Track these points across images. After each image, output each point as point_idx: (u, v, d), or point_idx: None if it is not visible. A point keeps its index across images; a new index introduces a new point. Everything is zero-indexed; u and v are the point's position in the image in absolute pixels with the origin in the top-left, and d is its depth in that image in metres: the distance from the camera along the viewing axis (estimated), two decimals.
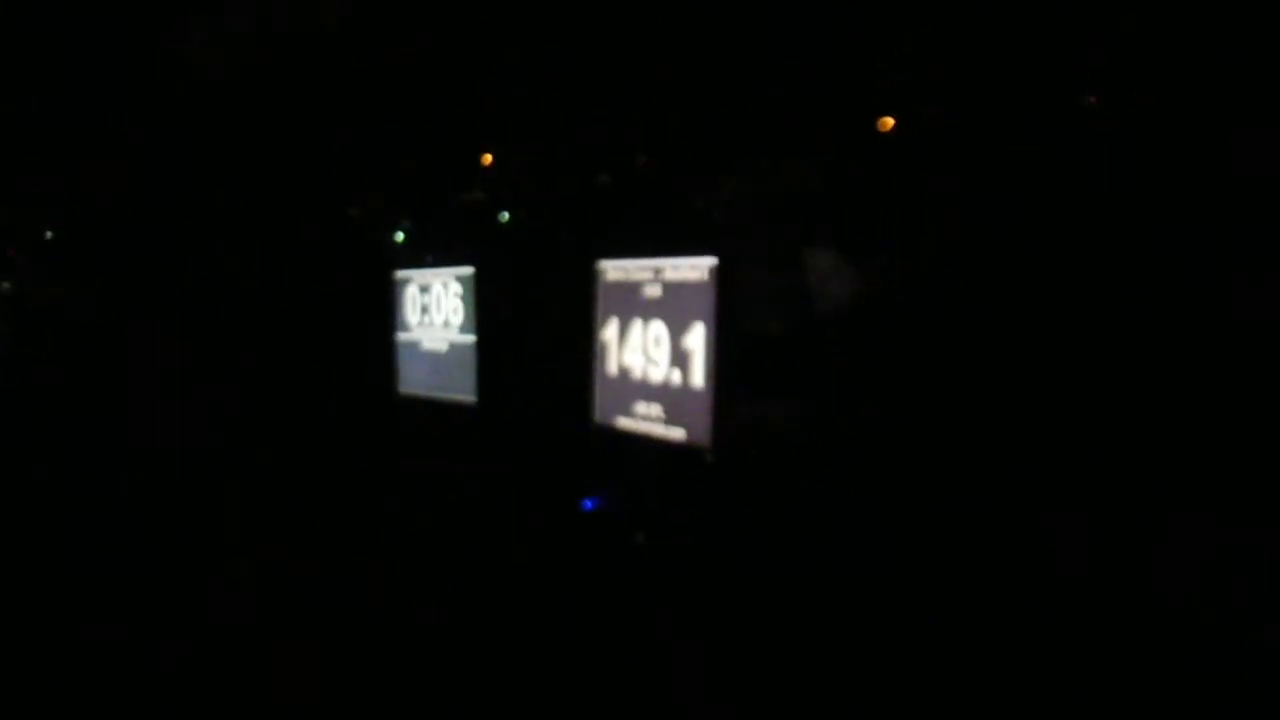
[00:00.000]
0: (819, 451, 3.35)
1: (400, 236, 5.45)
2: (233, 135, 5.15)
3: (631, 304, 3.93)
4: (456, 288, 4.91)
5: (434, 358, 5.12)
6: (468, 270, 4.85)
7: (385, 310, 5.45)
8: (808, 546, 3.29)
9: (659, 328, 3.77)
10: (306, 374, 5.65)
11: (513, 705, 3.01)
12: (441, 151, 4.91)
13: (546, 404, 4.51)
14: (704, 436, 3.54)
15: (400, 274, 5.35)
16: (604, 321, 4.11)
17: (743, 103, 3.66)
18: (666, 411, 3.74)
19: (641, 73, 3.89)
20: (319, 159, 5.26)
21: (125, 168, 5.27)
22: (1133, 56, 2.58)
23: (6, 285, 5.83)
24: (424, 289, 5.17)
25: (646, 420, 3.84)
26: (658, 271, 3.81)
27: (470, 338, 4.84)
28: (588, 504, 4.20)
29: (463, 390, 4.89)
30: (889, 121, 3.18)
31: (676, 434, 3.69)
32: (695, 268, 3.62)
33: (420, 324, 5.21)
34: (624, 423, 3.99)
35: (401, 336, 5.38)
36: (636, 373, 3.91)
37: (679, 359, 3.67)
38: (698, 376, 3.58)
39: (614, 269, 4.07)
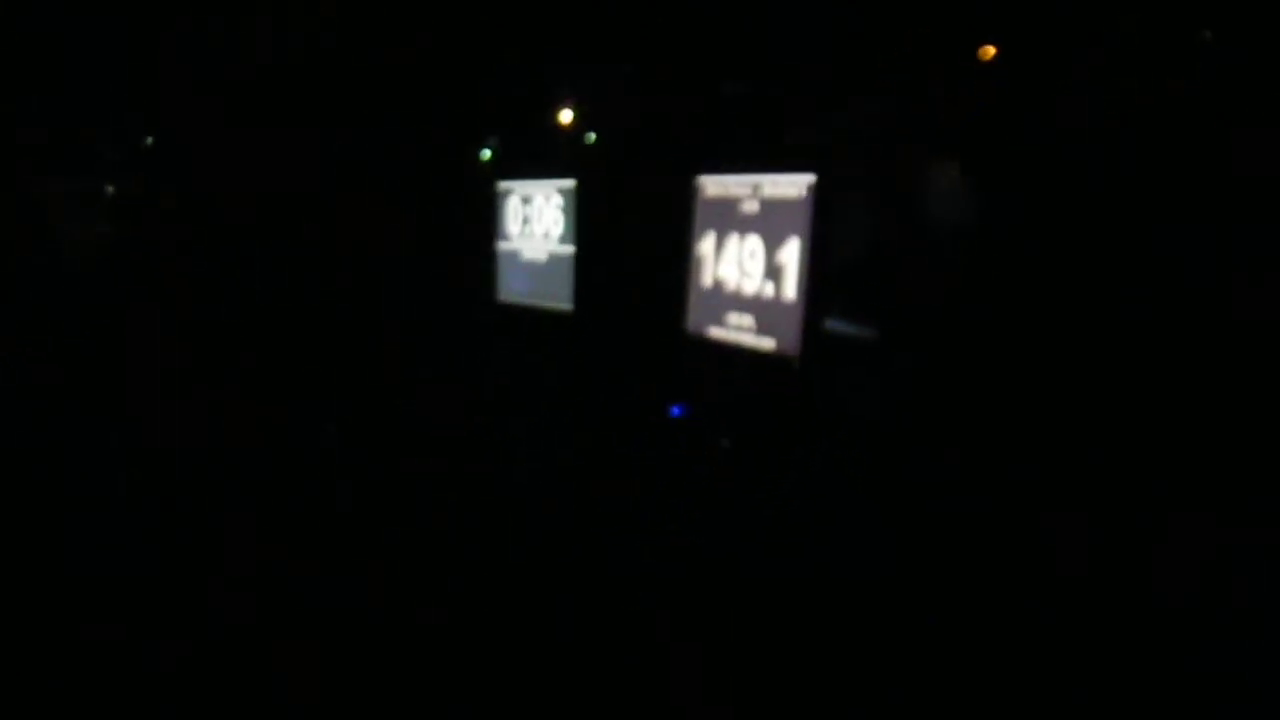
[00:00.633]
0: (897, 363, 3.50)
1: (501, 151, 5.64)
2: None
3: (728, 219, 4.08)
4: (558, 200, 5.09)
5: (533, 267, 5.35)
6: (570, 183, 5.02)
7: (487, 220, 5.66)
8: (881, 447, 3.44)
9: (754, 242, 3.93)
10: (411, 282, 5.87)
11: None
12: (550, 70, 5.07)
13: (640, 314, 4.73)
14: (793, 346, 3.72)
15: (503, 185, 5.55)
16: (700, 235, 4.28)
17: (846, 26, 3.72)
18: (758, 322, 3.92)
19: None
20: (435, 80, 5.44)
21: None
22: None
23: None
24: (526, 200, 5.37)
25: (738, 330, 4.04)
26: (756, 188, 3.94)
27: (569, 248, 5.04)
28: (676, 410, 4.43)
29: (560, 299, 5.12)
30: (990, 50, 3.21)
31: (766, 344, 3.88)
32: (793, 184, 3.74)
33: (521, 234, 5.43)
34: (716, 332, 4.18)
35: (502, 245, 5.61)
36: (730, 285, 4.08)
37: (772, 272, 3.83)
38: (790, 290, 3.73)
39: (713, 184, 4.21)
